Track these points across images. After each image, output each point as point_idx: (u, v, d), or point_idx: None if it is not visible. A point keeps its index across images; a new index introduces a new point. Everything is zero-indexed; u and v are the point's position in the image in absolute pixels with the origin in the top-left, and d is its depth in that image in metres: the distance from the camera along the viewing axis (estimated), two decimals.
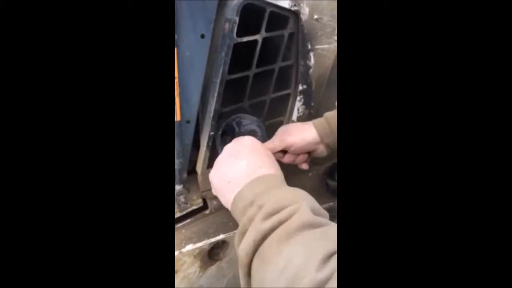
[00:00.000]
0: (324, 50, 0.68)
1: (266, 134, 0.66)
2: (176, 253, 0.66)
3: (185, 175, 0.68)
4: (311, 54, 0.67)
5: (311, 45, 0.67)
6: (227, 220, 0.73)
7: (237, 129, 0.64)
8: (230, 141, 0.58)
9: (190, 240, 0.68)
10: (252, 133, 0.65)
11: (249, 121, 0.65)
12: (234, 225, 0.72)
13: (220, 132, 0.63)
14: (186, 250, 0.68)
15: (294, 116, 0.72)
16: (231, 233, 0.71)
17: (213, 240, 0.70)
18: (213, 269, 0.76)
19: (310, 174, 0.85)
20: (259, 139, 0.59)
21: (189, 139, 0.64)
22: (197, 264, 0.73)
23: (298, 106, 0.72)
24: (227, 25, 0.55)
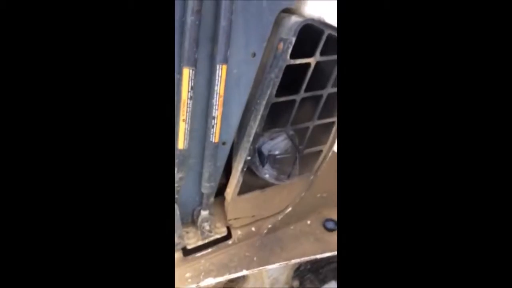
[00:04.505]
0: None
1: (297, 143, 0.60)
2: (193, 286, 0.60)
3: (212, 199, 0.62)
4: None
5: None
6: (250, 254, 0.66)
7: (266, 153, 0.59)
8: (262, 164, 0.52)
9: (209, 274, 0.62)
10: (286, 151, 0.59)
11: (281, 137, 0.59)
12: (258, 260, 0.66)
13: (256, 154, 0.58)
14: (204, 285, 0.61)
15: (335, 146, 0.67)
16: (254, 270, 0.64)
17: (233, 276, 0.63)
18: None
19: None
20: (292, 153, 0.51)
21: (221, 162, 0.59)
22: None
23: None
24: (281, 45, 0.51)
